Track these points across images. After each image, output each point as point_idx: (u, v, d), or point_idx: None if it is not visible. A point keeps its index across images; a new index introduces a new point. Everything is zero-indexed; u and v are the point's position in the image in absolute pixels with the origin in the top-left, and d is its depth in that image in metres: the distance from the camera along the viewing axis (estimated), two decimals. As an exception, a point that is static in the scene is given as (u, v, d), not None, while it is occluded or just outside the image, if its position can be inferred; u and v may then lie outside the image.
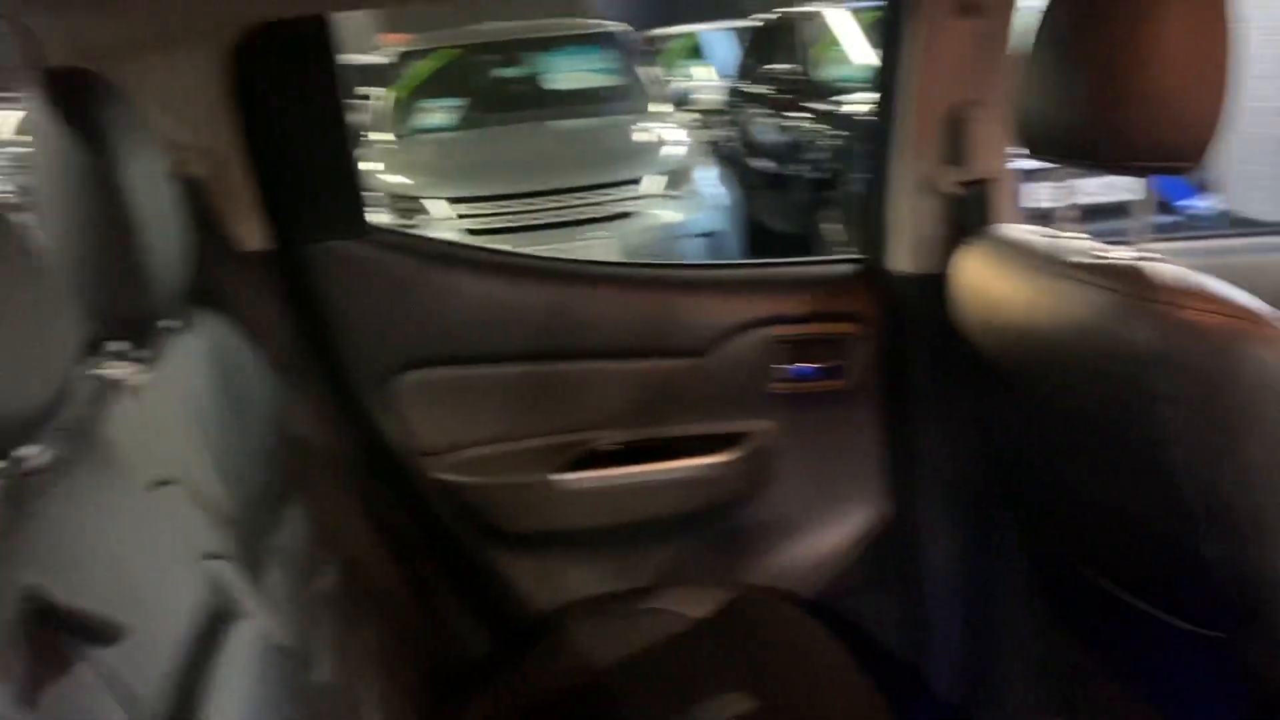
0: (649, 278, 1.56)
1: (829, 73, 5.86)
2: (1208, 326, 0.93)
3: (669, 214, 4.84)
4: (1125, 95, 0.95)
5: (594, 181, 4.78)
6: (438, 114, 5.59)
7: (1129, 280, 1.00)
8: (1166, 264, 1.01)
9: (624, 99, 5.82)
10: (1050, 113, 1.05)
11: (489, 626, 1.53)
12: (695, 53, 10.25)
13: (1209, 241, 1.71)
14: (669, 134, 5.40)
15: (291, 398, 1.23)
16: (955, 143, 1.41)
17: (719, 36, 10.09)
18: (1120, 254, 1.06)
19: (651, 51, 9.63)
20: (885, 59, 1.48)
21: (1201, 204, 4.72)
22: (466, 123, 5.58)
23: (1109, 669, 1.40)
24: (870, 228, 1.54)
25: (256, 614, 0.89)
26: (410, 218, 4.50)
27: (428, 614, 1.42)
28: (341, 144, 1.36)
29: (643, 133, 5.49)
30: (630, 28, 6.31)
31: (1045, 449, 1.27)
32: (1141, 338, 0.96)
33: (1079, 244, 1.15)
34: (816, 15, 6.09)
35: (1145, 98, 0.94)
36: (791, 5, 6.42)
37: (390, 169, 4.74)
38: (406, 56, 5.84)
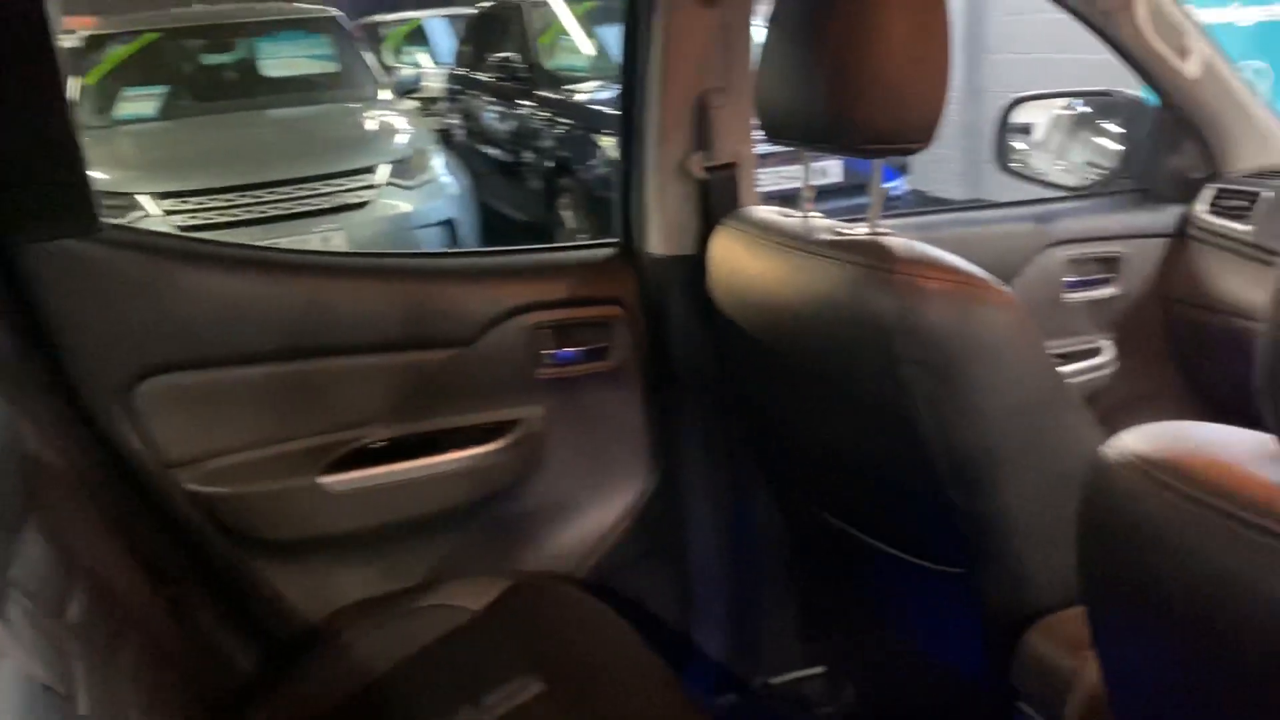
0: (408, 268, 1.53)
1: (556, 61, 5.94)
2: (941, 293, 1.03)
3: (402, 203, 4.75)
4: (857, 83, 1.04)
5: (321, 172, 4.60)
6: (138, 103, 5.19)
7: (869, 254, 1.09)
8: (899, 238, 1.11)
9: (347, 86, 5.64)
10: (788, 99, 1.12)
11: (258, 641, 1.45)
12: (417, 39, 10.05)
13: (920, 218, 1.89)
14: (397, 122, 5.28)
15: (16, 413, 1.11)
16: (703, 129, 1.48)
17: (440, 24, 9.94)
18: (858, 230, 1.16)
19: (372, 38, 9.36)
20: (629, 49, 1.53)
21: (894, 184, 5.19)
22: (171, 112, 5.20)
23: (867, 614, 1.53)
24: (626, 213, 1.59)
25: (8, 653, 0.80)
26: (123, 215, 4.15)
27: (191, 634, 1.33)
28: (65, 134, 1.23)
29: (370, 120, 5.34)
30: (345, 14, 6.10)
31: (801, 415, 1.37)
32: (883, 306, 1.05)
33: (820, 223, 1.24)
34: (541, 4, 6.14)
35: (875, 84, 1.03)
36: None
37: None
38: (95, 41, 5.37)
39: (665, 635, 1.62)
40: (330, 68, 5.75)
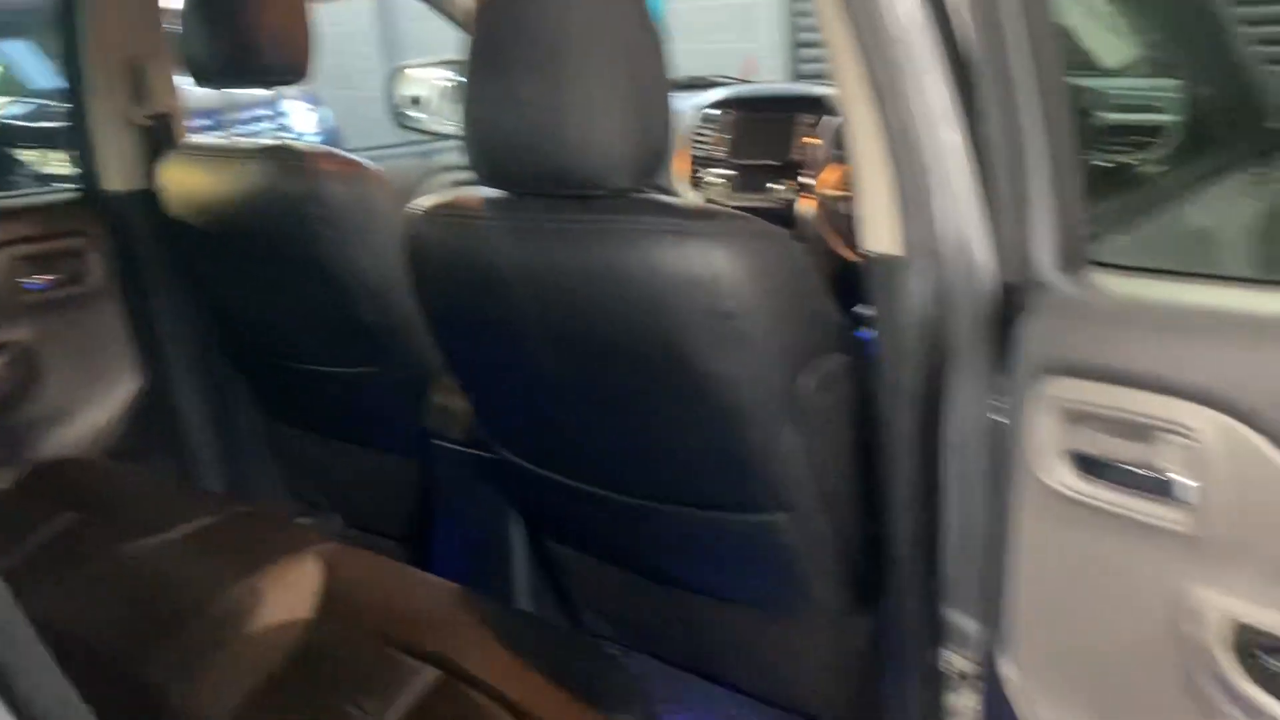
0: None
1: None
2: (335, 172, 1.57)
3: None
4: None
5: None
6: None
7: (282, 154, 1.59)
8: (300, 141, 1.64)
9: None
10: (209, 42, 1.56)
11: None
12: None
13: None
14: None
15: None
16: (139, 85, 1.87)
17: None
18: (269, 141, 1.66)
19: None
20: (68, 27, 1.86)
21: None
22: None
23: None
24: (84, 159, 1.92)
25: None
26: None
27: None
28: None
29: None
30: None
31: (264, 311, 1.83)
32: (299, 188, 1.56)
33: (242, 142, 1.72)
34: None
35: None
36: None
37: None
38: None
39: None
40: None
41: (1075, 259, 0.96)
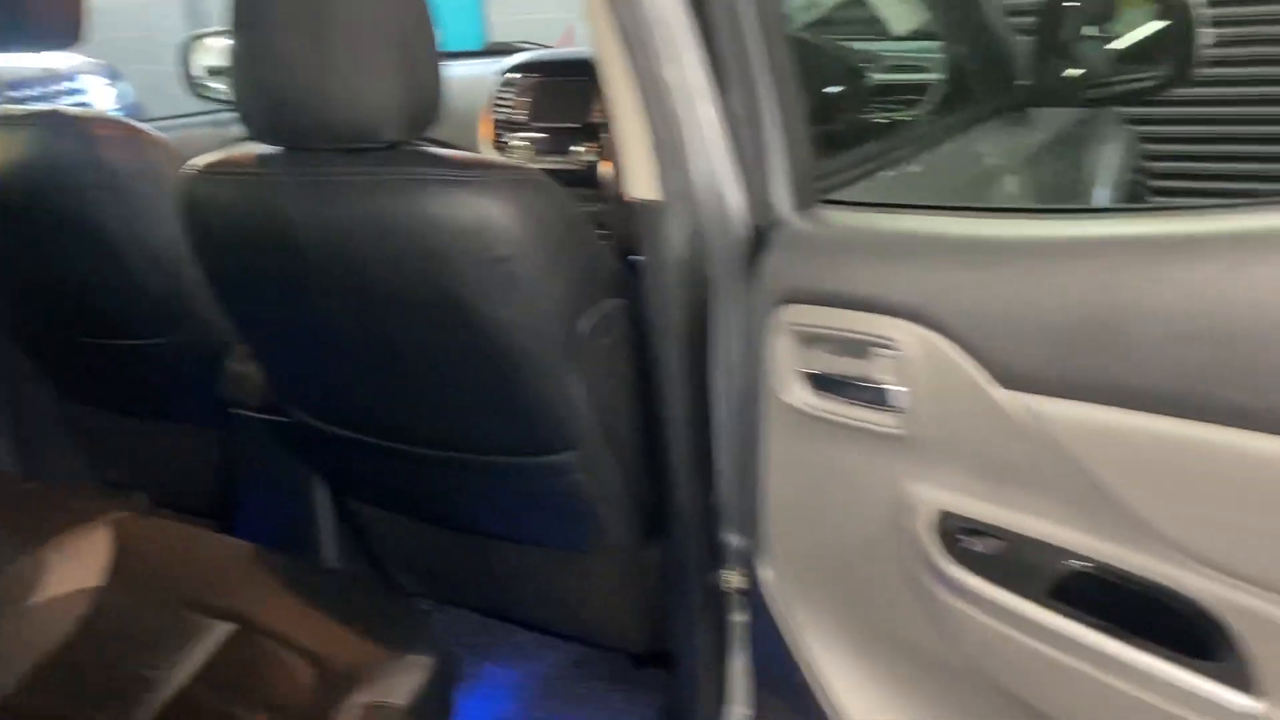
0: None
1: None
2: (112, 138, 1.53)
3: None
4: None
5: None
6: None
7: (55, 119, 1.54)
8: (85, 109, 1.59)
9: None
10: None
11: None
12: None
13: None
14: None
15: None
16: None
17: None
18: (41, 107, 1.60)
19: None
20: None
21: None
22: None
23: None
24: None
25: None
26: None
27: None
28: None
29: None
30: None
31: (50, 284, 1.76)
32: (75, 155, 1.51)
33: (13, 109, 1.65)
34: None
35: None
36: None
37: None
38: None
39: None
40: None
41: (807, 200, 1.05)
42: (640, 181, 1.12)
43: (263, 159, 1.20)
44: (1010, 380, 0.82)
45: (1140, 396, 0.74)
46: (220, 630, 1.17)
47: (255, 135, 1.18)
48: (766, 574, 1.12)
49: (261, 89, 1.12)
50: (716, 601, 1.27)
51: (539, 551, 1.48)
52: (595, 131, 2.04)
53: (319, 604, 1.24)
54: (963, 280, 0.86)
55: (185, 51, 2.58)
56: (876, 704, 1.08)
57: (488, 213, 1.09)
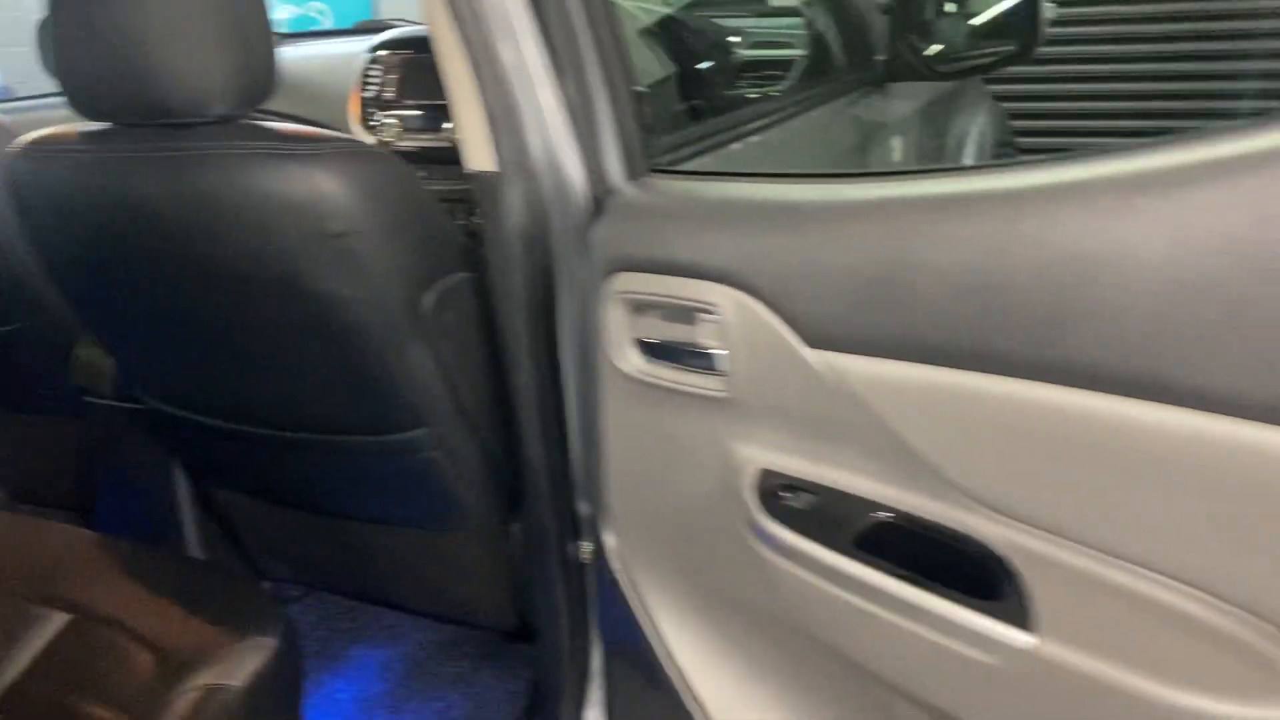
0: None
1: None
2: None
3: None
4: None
5: None
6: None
7: None
8: None
9: None
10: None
11: None
12: None
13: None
14: None
15: None
16: None
17: None
18: None
19: None
20: None
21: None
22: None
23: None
24: None
25: None
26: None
27: None
28: None
29: None
30: None
31: None
32: None
33: None
34: None
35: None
36: None
37: None
38: None
39: None
40: None
41: (638, 170, 1.05)
42: (477, 153, 1.12)
43: (89, 135, 1.16)
44: (816, 339, 0.84)
45: (927, 350, 0.76)
46: (57, 620, 1.14)
47: (81, 112, 1.14)
48: (610, 540, 1.13)
49: (83, 63, 1.09)
50: (575, 573, 1.28)
51: (402, 532, 1.47)
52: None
53: (163, 591, 1.21)
54: (771, 244, 0.88)
55: (42, 32, 2.48)
56: (712, 663, 1.10)
57: (320, 186, 1.07)
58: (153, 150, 1.12)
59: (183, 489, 1.65)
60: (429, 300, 1.18)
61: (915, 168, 1.02)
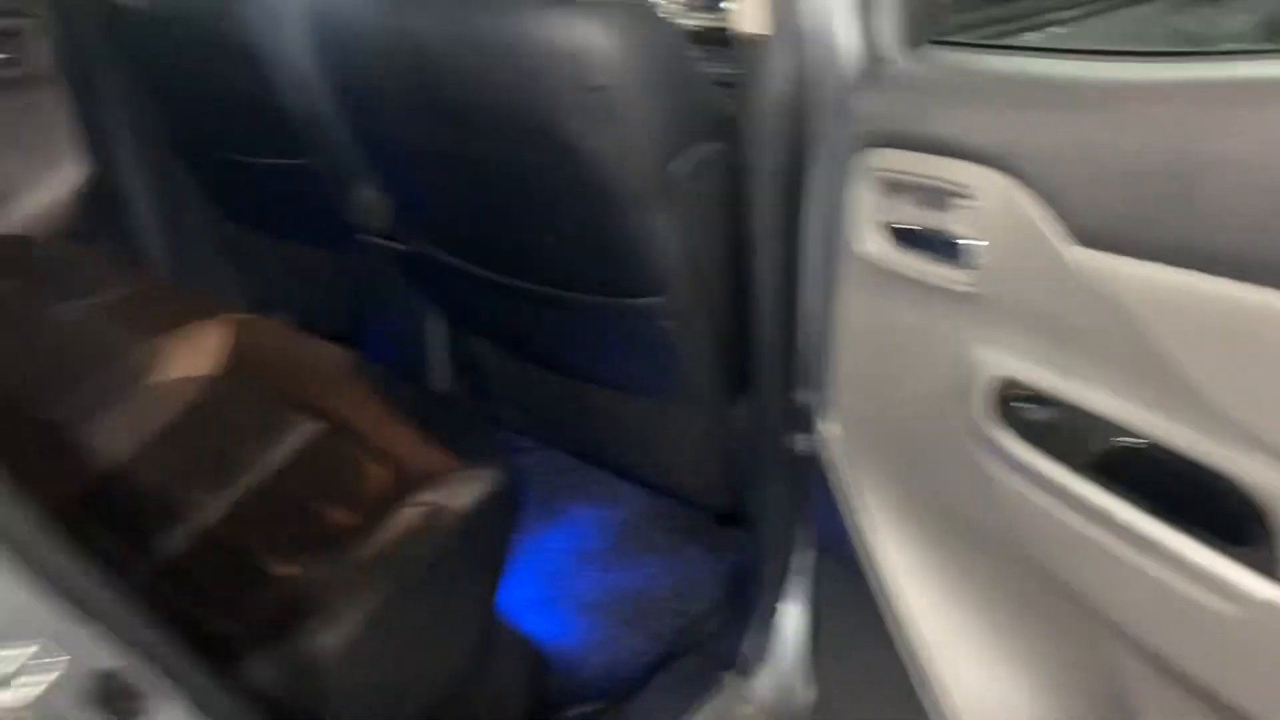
0: None
1: None
2: None
3: None
4: None
5: None
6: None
7: None
8: None
9: None
10: None
11: None
12: None
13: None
14: None
15: None
16: None
17: None
18: None
19: None
20: None
21: None
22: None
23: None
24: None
25: None
26: None
27: None
28: None
29: None
30: None
31: (205, 101, 1.84)
32: None
33: None
34: None
35: None
36: None
37: None
38: None
39: None
40: None
41: (916, 38, 0.98)
42: (749, 16, 1.08)
43: None
44: (1086, 236, 0.75)
45: (1218, 259, 0.66)
46: (312, 428, 1.25)
47: None
48: (831, 434, 1.10)
49: None
50: (793, 463, 1.26)
51: (629, 399, 1.49)
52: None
53: (407, 417, 1.29)
54: (1046, 124, 0.79)
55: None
56: (919, 575, 1.05)
57: (588, 37, 1.07)
58: None
59: (436, 331, 1.74)
60: (680, 166, 1.16)
61: (1219, 48, 0.89)
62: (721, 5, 2.02)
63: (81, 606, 0.68)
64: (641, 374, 1.44)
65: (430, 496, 1.13)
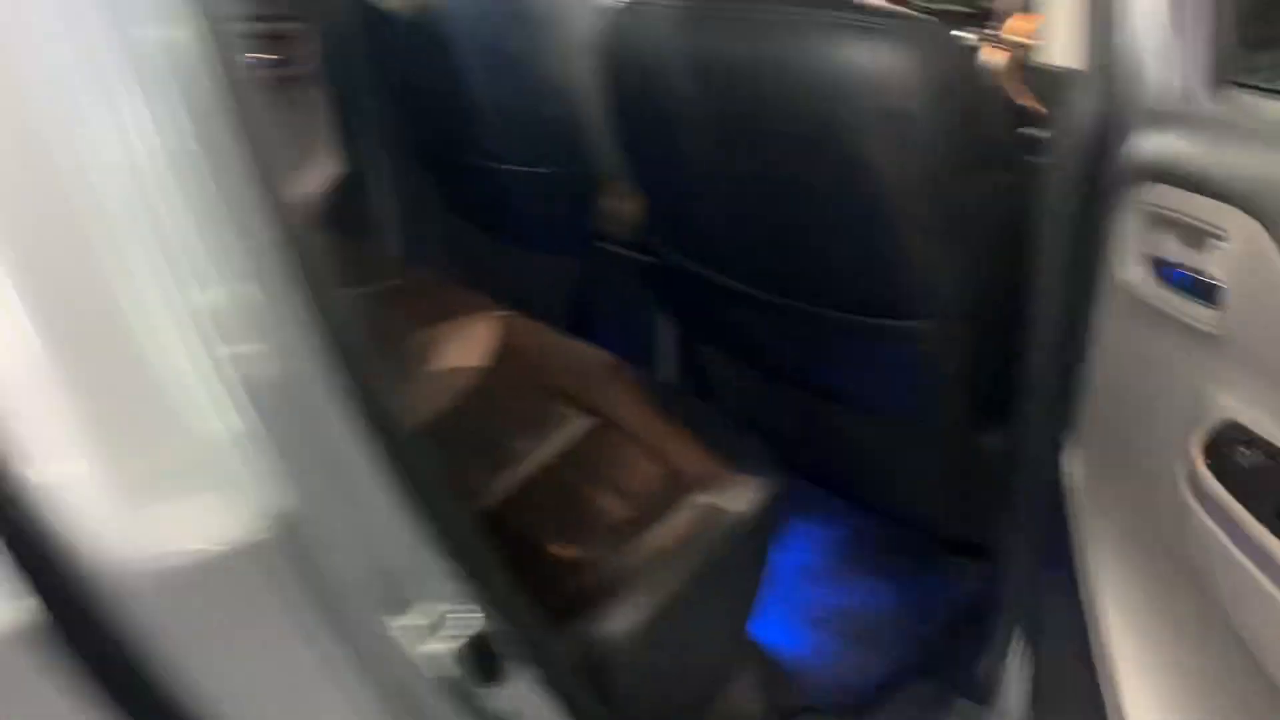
0: None
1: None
2: None
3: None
4: None
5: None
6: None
7: None
8: None
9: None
10: None
11: None
12: None
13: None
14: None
15: None
16: None
17: None
18: None
19: None
20: None
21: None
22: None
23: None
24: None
25: None
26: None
27: None
28: None
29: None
30: None
31: (451, 104, 1.92)
32: None
33: None
34: None
35: None
36: None
37: None
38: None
39: None
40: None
41: (1218, 78, 0.97)
42: (1064, 49, 1.08)
43: None
44: None
45: None
46: (583, 422, 1.30)
47: None
48: (1076, 464, 1.09)
49: None
50: (1043, 495, 1.24)
51: (868, 419, 1.50)
52: (982, 19, 1.96)
53: (673, 418, 1.33)
54: None
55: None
56: (1133, 618, 1.04)
57: (890, 62, 1.09)
58: (740, 12, 1.19)
59: (665, 340, 1.78)
60: (969, 195, 1.17)
61: None
62: (954, 33, 2.02)
63: (470, 572, 0.73)
64: (886, 395, 1.44)
65: (708, 498, 1.16)
